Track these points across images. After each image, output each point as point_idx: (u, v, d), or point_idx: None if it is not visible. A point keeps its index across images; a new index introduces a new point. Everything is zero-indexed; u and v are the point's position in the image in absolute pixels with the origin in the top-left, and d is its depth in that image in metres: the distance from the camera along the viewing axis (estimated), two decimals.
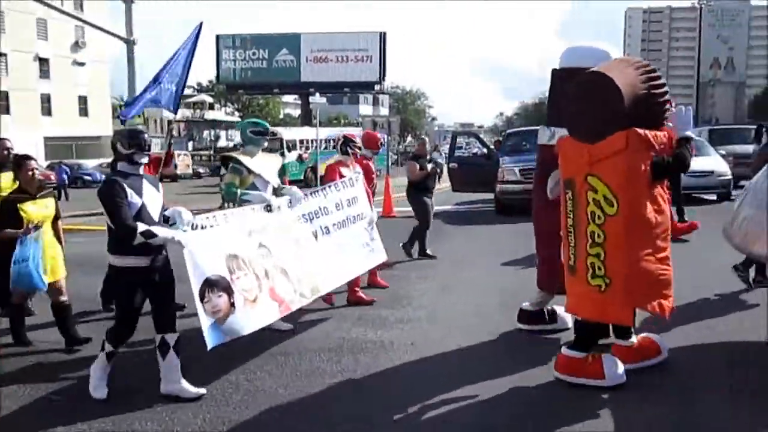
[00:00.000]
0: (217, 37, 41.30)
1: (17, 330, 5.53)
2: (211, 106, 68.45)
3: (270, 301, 4.82)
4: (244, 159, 5.68)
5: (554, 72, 5.24)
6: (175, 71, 6.96)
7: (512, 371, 4.68)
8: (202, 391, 4.35)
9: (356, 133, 33.40)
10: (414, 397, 4.29)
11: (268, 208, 5.22)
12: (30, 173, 5.27)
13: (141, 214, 4.21)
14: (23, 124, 45.88)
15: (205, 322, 4.25)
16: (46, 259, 5.26)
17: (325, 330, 5.86)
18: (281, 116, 66.54)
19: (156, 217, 4.31)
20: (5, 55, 47.21)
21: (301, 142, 27.96)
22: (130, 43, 16.90)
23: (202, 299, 4.27)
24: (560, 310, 5.36)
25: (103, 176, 37.27)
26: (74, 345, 5.43)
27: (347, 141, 7.00)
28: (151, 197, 4.34)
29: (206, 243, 4.42)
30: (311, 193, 5.88)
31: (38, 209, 5.27)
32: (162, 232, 4.16)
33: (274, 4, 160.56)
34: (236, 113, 65.31)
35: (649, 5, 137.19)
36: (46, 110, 50.59)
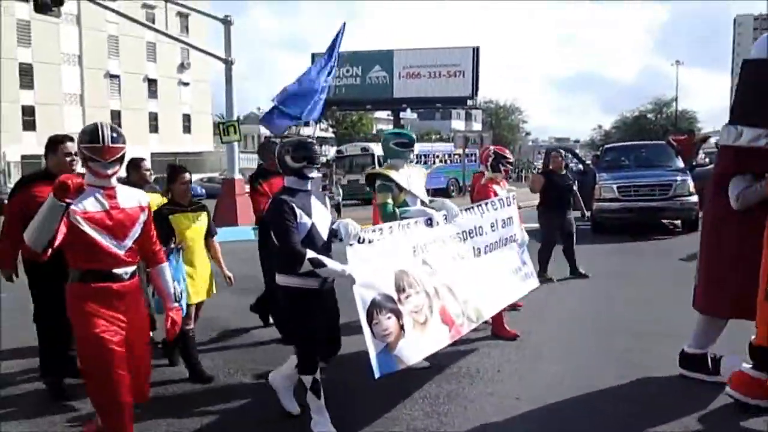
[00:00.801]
0: (312, 55, 42.34)
1: (171, 351, 5.35)
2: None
3: (440, 324, 4.42)
4: (393, 174, 5.16)
5: (752, 63, 4.50)
6: (321, 80, 6.91)
7: (603, 405, 4.35)
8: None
9: (449, 148, 33.46)
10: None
11: (429, 222, 4.73)
12: (184, 185, 4.95)
13: (311, 234, 3.85)
14: (132, 141, 48.07)
15: (374, 347, 3.81)
16: (197, 279, 4.95)
17: None
18: (374, 132, 67.35)
19: (325, 235, 3.97)
20: (118, 76, 50.52)
21: None
22: (228, 63, 17.54)
23: (370, 321, 3.85)
24: (730, 360, 4.56)
25: (203, 190, 38.80)
26: (199, 382, 4.97)
27: (499, 157, 6.43)
28: (320, 215, 3.97)
29: (373, 258, 4.05)
30: (466, 210, 5.30)
31: (190, 223, 4.96)
32: (332, 264, 3.78)
33: (364, 18, 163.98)
34: (330, 129, 66.72)
35: (761, 11, 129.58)
36: (153, 128, 53.60)
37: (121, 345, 3.24)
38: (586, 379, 4.84)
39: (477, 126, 76.19)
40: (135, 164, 6.05)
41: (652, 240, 12.40)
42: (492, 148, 6.70)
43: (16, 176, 40.11)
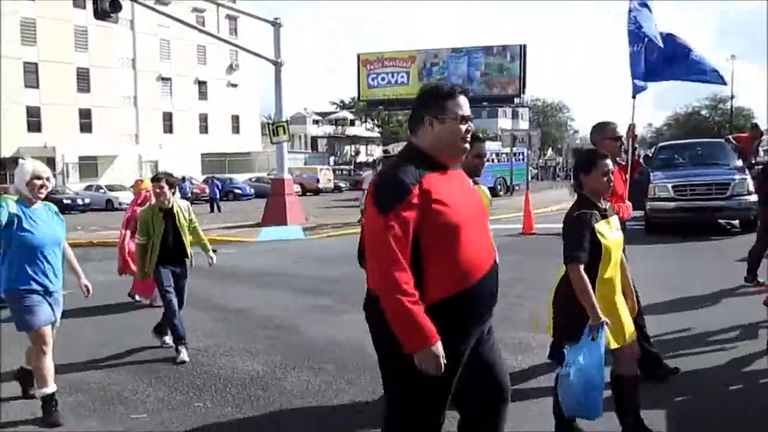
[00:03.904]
0: (358, 55, 42.63)
1: None
2: (352, 123, 70.80)
3: None
4: None
5: None
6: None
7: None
8: None
9: (496, 146, 32.64)
10: None
11: None
12: (606, 177, 3.53)
13: None
14: (183, 142, 50.01)
15: None
16: (624, 320, 3.55)
17: None
18: None
19: None
20: (170, 79, 51.75)
21: None
22: (277, 65, 17.80)
23: None
24: None
25: (252, 190, 38.97)
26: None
27: None
28: None
29: None
30: None
31: (611, 233, 3.52)
32: None
33: (411, 21, 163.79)
34: (376, 129, 67.02)
35: None
36: (203, 128, 54.73)
37: None
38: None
39: (524, 124, 75.38)
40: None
41: (709, 241, 12.07)
42: None
43: (74, 177, 41.54)
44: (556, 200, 23.14)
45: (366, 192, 5.23)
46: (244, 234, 15.95)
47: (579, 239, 3.39)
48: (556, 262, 3.71)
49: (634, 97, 5.52)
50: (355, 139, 70.51)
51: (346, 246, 14.03)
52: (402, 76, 41.95)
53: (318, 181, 40.85)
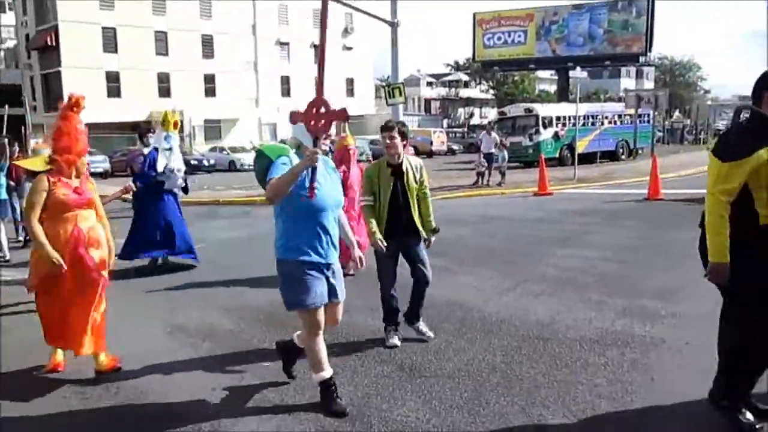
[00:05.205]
0: (474, 14, 41.66)
1: None
2: (466, 84, 69.72)
3: None
4: None
5: None
6: None
7: None
8: None
9: (619, 108, 30.71)
10: (682, 408, 3.81)
11: None
12: None
13: None
14: (300, 105, 51.06)
15: None
16: None
17: (586, 318, 5.52)
18: (536, 92, 65.35)
19: None
20: (288, 44, 53.03)
21: (558, 119, 26.97)
22: (394, 26, 17.69)
23: None
24: None
25: (371, 152, 39.11)
26: None
27: None
28: None
29: None
30: None
31: None
32: None
33: None
34: (490, 91, 65.66)
35: None
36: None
37: None
38: None
39: (648, 84, 71.20)
40: None
41: None
42: None
43: (200, 138, 43.84)
44: (685, 164, 21.80)
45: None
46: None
47: None
48: (685, 229, 3.41)
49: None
50: (468, 101, 69.47)
51: (460, 208, 13.95)
52: (519, 36, 40.65)
53: (432, 143, 40.71)
